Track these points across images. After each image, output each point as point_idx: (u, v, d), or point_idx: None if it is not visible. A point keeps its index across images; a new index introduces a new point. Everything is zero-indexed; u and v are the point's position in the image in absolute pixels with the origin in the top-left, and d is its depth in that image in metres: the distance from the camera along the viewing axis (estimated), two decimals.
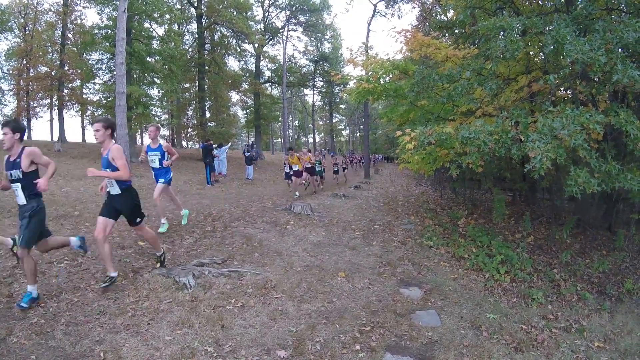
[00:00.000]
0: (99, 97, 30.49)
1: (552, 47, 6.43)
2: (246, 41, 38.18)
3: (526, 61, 9.62)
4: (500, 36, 7.76)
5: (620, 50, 6.31)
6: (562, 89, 8.95)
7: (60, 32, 32.35)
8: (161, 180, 8.42)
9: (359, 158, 46.43)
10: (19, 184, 4.67)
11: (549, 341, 5.35)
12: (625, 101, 8.56)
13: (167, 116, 41.52)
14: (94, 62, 28.72)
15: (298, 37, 47.54)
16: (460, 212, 12.15)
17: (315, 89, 56.65)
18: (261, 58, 41.66)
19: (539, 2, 10.27)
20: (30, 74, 33.09)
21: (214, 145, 20.93)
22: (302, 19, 44.97)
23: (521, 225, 10.28)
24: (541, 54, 9.52)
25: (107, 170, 5.22)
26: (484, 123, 6.69)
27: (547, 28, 7.35)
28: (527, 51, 9.03)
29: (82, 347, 3.97)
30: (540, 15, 8.17)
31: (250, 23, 37.48)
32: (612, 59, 5.90)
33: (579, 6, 7.82)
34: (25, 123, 33.62)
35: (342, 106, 63.11)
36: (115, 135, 5.50)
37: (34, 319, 4.34)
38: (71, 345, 3.99)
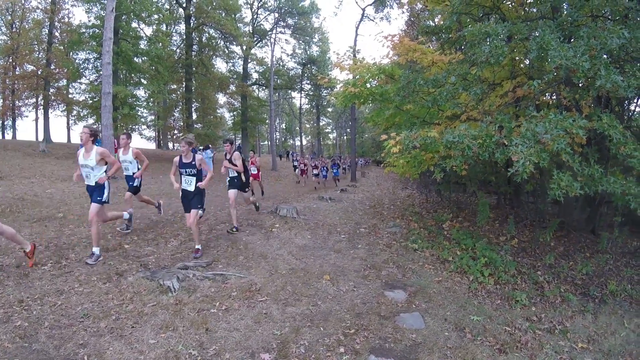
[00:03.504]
0: (85, 97, 30.37)
1: (536, 52, 6.47)
2: (234, 43, 38.18)
3: (511, 67, 9.69)
4: (485, 42, 7.81)
5: (604, 56, 6.39)
6: (546, 94, 9.05)
7: (47, 31, 32.06)
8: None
9: (320, 163, 26.87)
10: None
11: (533, 342, 5.41)
12: (609, 106, 8.67)
13: (153, 117, 41.30)
14: (81, 62, 28.58)
15: (286, 39, 47.84)
16: (446, 215, 12.21)
17: (302, 92, 56.54)
18: (249, 60, 41.65)
19: (525, 8, 10.37)
20: (16, 73, 32.73)
21: (200, 147, 20.84)
22: (290, 21, 45.01)
23: (505, 228, 10.36)
24: (526, 59, 9.61)
25: None
26: (468, 127, 6.74)
27: (532, 34, 7.42)
28: (512, 57, 9.10)
29: (66, 350, 3.94)
30: (526, 22, 8.25)
31: (238, 25, 37.50)
32: (596, 64, 5.97)
33: (564, 13, 7.93)
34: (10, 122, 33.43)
35: (330, 109, 63.12)
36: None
37: (17, 322, 4.30)
38: (55, 348, 3.95)
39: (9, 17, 33.11)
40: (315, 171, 25.20)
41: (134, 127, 36.59)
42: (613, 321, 6.36)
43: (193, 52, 35.48)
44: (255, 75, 45.54)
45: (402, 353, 4.63)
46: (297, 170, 28.24)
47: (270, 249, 7.97)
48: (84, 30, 25.39)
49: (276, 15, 43.38)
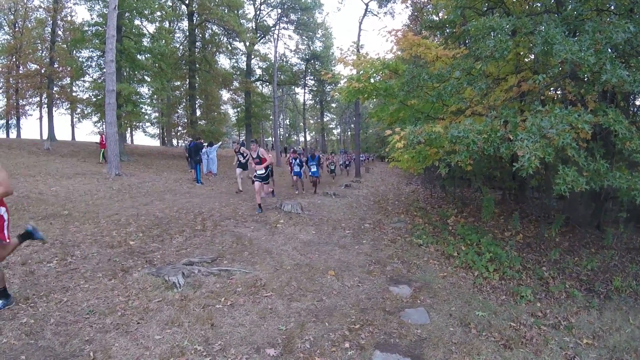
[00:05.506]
0: (89, 95, 30.36)
1: (541, 47, 6.45)
2: (237, 39, 38.07)
3: (516, 61, 9.67)
4: (490, 36, 7.79)
5: (609, 50, 6.36)
6: (551, 88, 9.01)
7: (50, 29, 32.01)
8: None
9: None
10: None
11: (538, 338, 5.39)
12: (614, 101, 8.64)
13: (157, 114, 41.32)
14: (84, 60, 28.49)
15: (289, 35, 47.51)
16: (450, 210, 12.20)
17: (306, 87, 56.42)
18: (252, 56, 41.57)
19: (530, 2, 10.33)
20: (20, 72, 32.75)
21: (204, 144, 20.85)
22: (293, 17, 44.87)
23: (510, 223, 10.34)
24: (531, 54, 9.58)
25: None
26: (473, 122, 6.72)
27: (537, 28, 7.39)
28: (517, 51, 9.07)
29: (72, 346, 3.95)
30: (530, 16, 8.22)
31: (241, 21, 37.38)
32: (601, 59, 5.95)
33: (569, 7, 7.89)
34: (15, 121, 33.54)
35: (333, 105, 63.02)
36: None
37: (23, 319, 4.31)
38: (61, 345, 3.97)
39: (12, 17, 33.11)
40: (258, 171, 11.05)
41: (137, 124, 36.70)
42: (618, 317, 6.34)
43: (196, 49, 35.43)
44: (258, 72, 45.49)
45: (407, 348, 4.63)
46: (240, 171, 15.77)
47: (275, 245, 7.98)
48: (86, 28, 25.30)
49: (279, 11, 43.26)
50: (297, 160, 17.65)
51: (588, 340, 5.59)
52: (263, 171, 10.93)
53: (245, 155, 15.27)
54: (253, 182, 11.20)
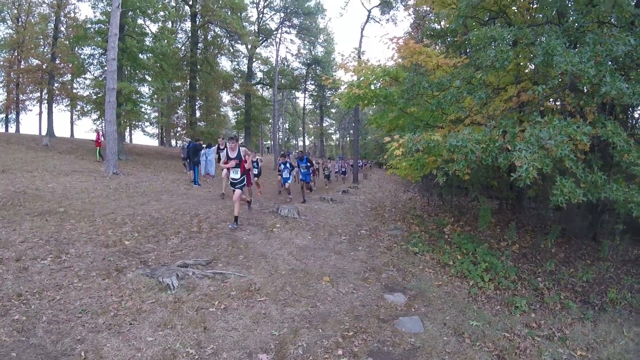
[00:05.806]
0: (89, 93, 30.36)
1: (542, 58, 6.47)
2: (239, 42, 38.23)
3: (516, 71, 9.69)
4: (491, 46, 7.81)
5: (609, 62, 6.38)
6: (550, 99, 9.04)
7: (53, 25, 32.07)
8: None
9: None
10: None
11: (532, 349, 5.38)
12: (613, 113, 8.65)
13: (156, 114, 41.30)
14: (86, 57, 28.47)
15: (291, 39, 47.70)
16: (447, 219, 12.20)
17: (306, 92, 56.63)
18: (254, 59, 41.73)
19: (531, 13, 10.36)
20: (21, 66, 32.75)
21: (204, 145, 20.77)
22: (296, 21, 45.08)
23: (506, 233, 10.33)
24: (531, 64, 9.60)
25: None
26: (472, 131, 6.73)
27: (538, 39, 7.41)
28: (517, 62, 9.09)
29: (63, 345, 3.93)
30: (532, 27, 8.25)
31: (244, 24, 37.47)
32: (601, 71, 5.97)
33: (571, 19, 7.92)
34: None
35: (333, 110, 63.07)
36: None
37: (15, 316, 4.29)
38: (52, 343, 3.94)
39: (15, 11, 33.12)
40: (232, 174, 9.62)
41: (137, 123, 36.67)
42: (612, 329, 6.33)
43: (198, 50, 35.49)
44: (259, 75, 45.63)
45: (400, 357, 4.62)
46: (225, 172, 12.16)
47: (270, 249, 7.96)
48: (89, 25, 25.33)
49: (282, 15, 43.45)
50: (287, 165, 15.15)
51: (582, 352, 5.58)
52: (238, 175, 9.49)
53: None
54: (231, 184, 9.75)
